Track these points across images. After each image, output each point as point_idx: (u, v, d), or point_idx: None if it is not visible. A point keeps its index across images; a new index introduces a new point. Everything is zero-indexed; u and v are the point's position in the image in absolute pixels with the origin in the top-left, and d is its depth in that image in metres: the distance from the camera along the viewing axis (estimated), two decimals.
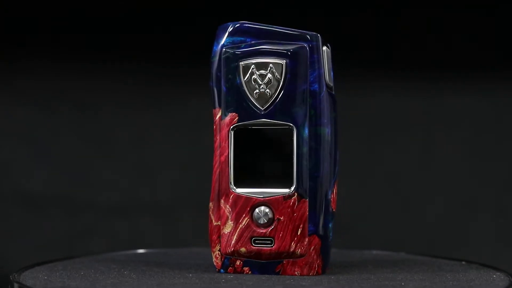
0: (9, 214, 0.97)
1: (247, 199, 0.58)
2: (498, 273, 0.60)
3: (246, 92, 0.58)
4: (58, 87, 0.98)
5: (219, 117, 0.59)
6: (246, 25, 0.59)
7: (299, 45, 0.58)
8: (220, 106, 0.59)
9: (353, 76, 1.00)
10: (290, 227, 0.58)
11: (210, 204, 0.59)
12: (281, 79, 0.58)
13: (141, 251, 0.73)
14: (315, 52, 0.58)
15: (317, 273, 0.58)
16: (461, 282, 0.56)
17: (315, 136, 0.58)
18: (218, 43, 0.59)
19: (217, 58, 0.59)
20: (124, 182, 0.99)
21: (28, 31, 0.97)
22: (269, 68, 0.58)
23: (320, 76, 0.58)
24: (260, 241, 0.58)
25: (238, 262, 0.59)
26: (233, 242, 0.58)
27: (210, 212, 0.59)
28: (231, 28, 0.59)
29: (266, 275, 0.58)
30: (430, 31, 1.00)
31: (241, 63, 0.58)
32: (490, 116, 1.01)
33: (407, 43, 1.00)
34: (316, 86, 0.58)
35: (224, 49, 0.59)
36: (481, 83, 1.01)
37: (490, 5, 0.99)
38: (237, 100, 0.58)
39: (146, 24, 0.99)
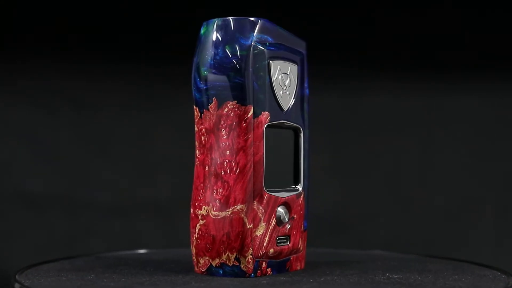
0: (9, 214, 0.97)
1: (276, 199, 0.57)
2: (499, 273, 0.60)
3: (275, 92, 0.57)
4: (58, 87, 0.98)
5: (251, 114, 0.55)
6: (269, 23, 0.57)
7: (301, 52, 0.60)
8: (250, 102, 0.55)
9: (353, 76, 1.00)
10: (299, 224, 0.59)
11: (240, 206, 0.55)
12: (296, 82, 0.59)
13: (141, 251, 0.73)
14: (306, 59, 0.60)
15: None
16: (461, 282, 0.56)
17: (306, 138, 0.60)
18: (243, 37, 0.55)
19: (247, 52, 0.55)
20: (124, 182, 0.99)
21: (28, 31, 0.97)
22: (289, 70, 0.58)
23: (308, 82, 0.60)
24: (280, 240, 0.58)
25: (263, 264, 0.57)
26: (265, 243, 0.57)
27: (242, 215, 0.55)
28: (259, 25, 0.56)
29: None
30: (429, 32, 1.00)
31: (271, 62, 0.57)
32: (489, 116, 1.01)
33: (407, 43, 1.00)
34: (308, 91, 0.60)
35: (253, 45, 0.56)
36: (480, 83, 1.01)
37: (490, 5, 0.99)
38: (268, 98, 0.57)
39: (147, 24, 0.99)
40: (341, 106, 1.01)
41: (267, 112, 0.56)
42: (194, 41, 0.57)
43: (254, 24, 0.56)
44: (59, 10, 0.97)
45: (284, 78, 0.58)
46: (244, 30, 0.56)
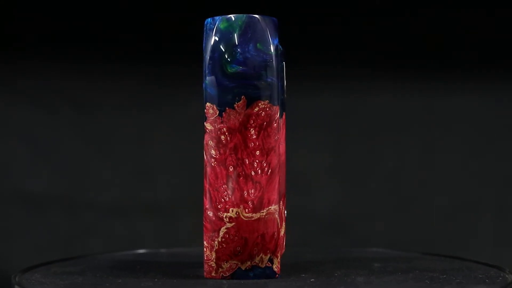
0: (9, 214, 0.97)
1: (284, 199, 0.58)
2: (499, 271, 0.60)
3: (284, 93, 0.57)
4: (58, 87, 0.98)
5: (279, 114, 0.55)
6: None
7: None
8: (279, 102, 0.55)
9: (353, 76, 1.00)
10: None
11: (274, 207, 0.55)
12: (286, 84, 0.59)
13: (140, 251, 0.73)
14: None
15: None
16: (462, 281, 0.56)
17: None
18: (271, 36, 0.54)
19: (275, 52, 0.54)
20: (124, 182, 0.99)
21: (28, 31, 0.97)
22: (285, 71, 0.58)
23: None
24: None
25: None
26: (284, 243, 0.57)
27: (276, 216, 0.54)
28: (277, 24, 0.55)
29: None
30: (429, 31, 1.00)
31: (284, 63, 0.56)
32: (490, 116, 1.01)
33: (407, 43, 1.00)
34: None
35: (277, 44, 0.55)
36: (480, 83, 1.01)
37: (490, 5, 0.99)
38: (282, 99, 0.56)
39: (147, 24, 0.98)
40: (341, 106, 1.01)
41: (284, 113, 0.56)
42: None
43: (275, 23, 0.55)
44: (59, 10, 0.97)
45: (286, 79, 0.58)
46: (271, 29, 0.55)
